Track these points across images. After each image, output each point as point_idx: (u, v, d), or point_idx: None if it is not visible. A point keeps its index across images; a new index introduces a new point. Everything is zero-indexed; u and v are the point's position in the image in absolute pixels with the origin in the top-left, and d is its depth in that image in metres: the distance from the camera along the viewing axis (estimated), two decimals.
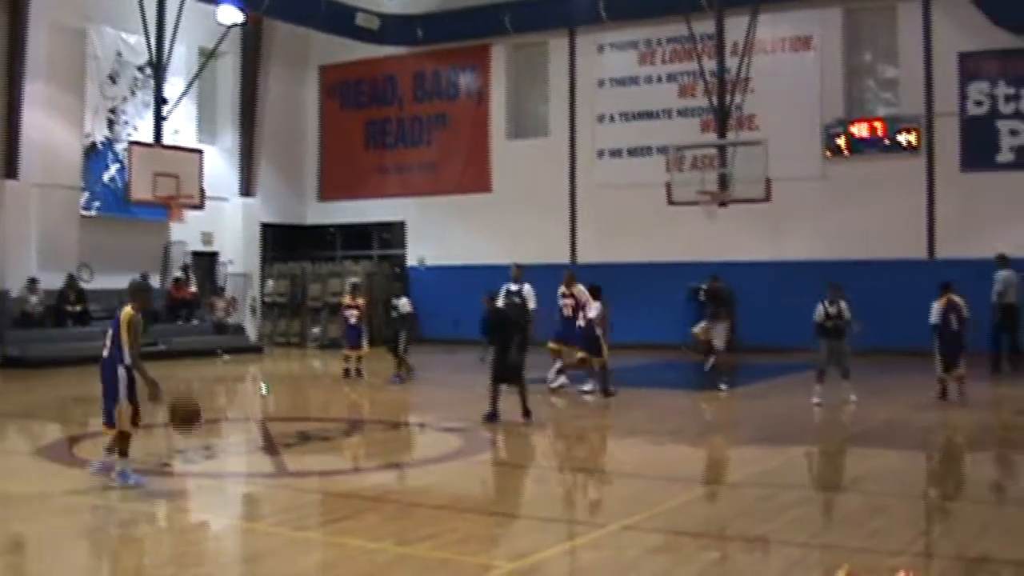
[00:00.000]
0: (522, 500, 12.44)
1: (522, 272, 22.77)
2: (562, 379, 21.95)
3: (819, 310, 20.02)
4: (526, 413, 16.96)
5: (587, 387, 21.43)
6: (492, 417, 16.99)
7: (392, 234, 39.41)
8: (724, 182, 27.35)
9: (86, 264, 31.90)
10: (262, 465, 14.36)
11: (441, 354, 31.23)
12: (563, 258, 34.29)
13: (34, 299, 29.91)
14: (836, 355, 20.00)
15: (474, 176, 37.16)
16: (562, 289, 22.25)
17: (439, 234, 37.59)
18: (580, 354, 21.45)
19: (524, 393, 17.18)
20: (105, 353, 12.79)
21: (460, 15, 36.45)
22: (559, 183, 35.43)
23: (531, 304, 22.05)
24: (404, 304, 24.65)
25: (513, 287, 22.31)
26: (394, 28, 37.34)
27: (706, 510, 11.32)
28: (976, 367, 21.75)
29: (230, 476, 14.04)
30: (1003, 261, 26.07)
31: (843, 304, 19.97)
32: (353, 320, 24.68)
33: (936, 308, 19.77)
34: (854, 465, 14.69)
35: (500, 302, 21.12)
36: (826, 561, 9.30)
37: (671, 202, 28.32)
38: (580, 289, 22.00)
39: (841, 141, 31.17)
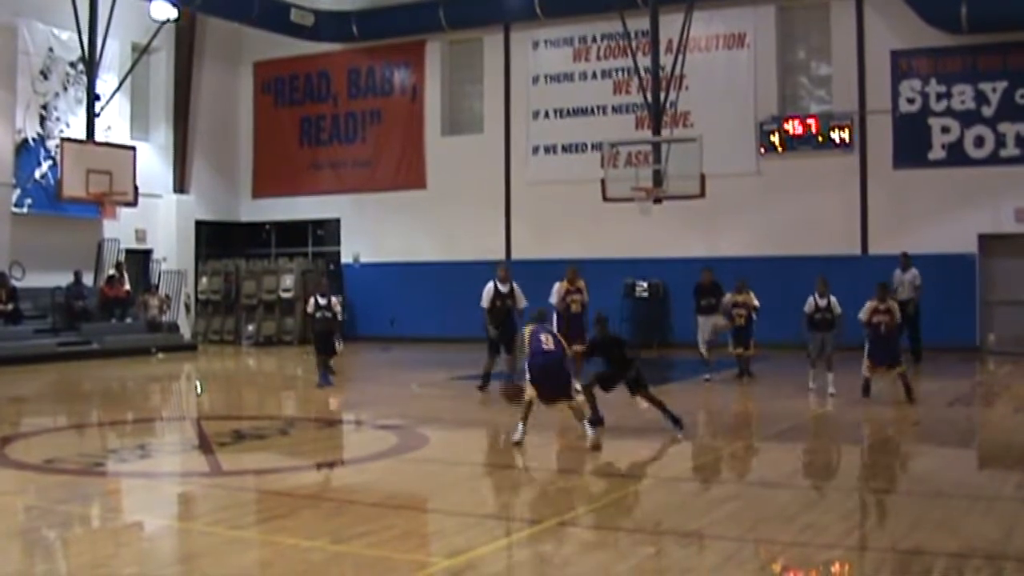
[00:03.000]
0: (458, 497, 12.40)
1: (510, 272, 21.79)
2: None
3: (809, 303, 20.85)
4: (676, 421, 16.36)
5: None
6: (597, 421, 16.34)
7: (327, 231, 39.31)
8: (658, 178, 27.39)
9: (17, 262, 31.59)
10: (197, 464, 14.26)
11: (377, 352, 31.19)
12: (499, 254, 34.33)
13: None
14: (823, 346, 20.63)
15: (409, 172, 37.12)
16: (565, 285, 21.58)
17: (374, 231, 37.54)
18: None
19: (659, 402, 16.56)
20: (552, 349, 15.17)
21: (394, 11, 36.39)
22: (494, 179, 35.48)
23: (521, 304, 21.19)
24: (336, 303, 23.41)
25: (503, 288, 21.30)
26: (329, 24, 37.25)
27: (641, 505, 11.35)
28: None
29: (164, 475, 13.93)
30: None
31: (833, 298, 20.68)
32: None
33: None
34: (788, 459, 14.77)
35: (485, 302, 20.86)
36: (761, 555, 9.35)
37: (606, 198, 28.34)
38: (582, 284, 21.74)
39: (775, 138, 31.42)
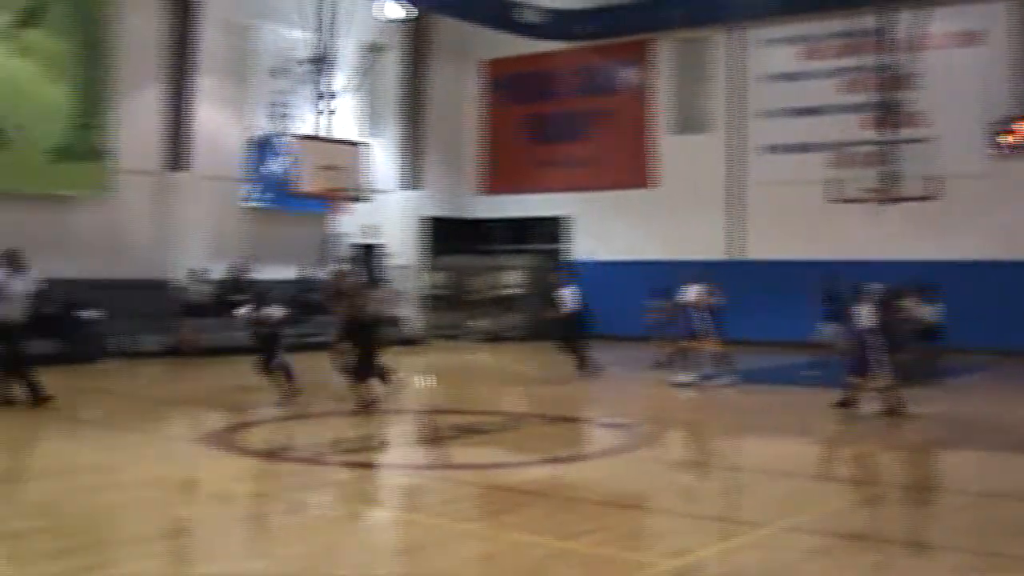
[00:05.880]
0: (682, 497, 12.38)
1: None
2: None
3: None
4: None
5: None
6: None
7: (554, 229, 39.45)
8: (888, 179, 26.94)
9: (249, 255, 32.36)
10: (423, 456, 14.51)
11: (603, 350, 31.28)
12: (721, 254, 34.14)
13: (201, 289, 30.37)
14: None
15: (635, 171, 37.09)
16: None
17: (600, 229, 37.59)
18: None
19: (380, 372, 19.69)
20: None
21: (623, 10, 36.36)
22: (719, 179, 35.24)
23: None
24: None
25: None
26: (557, 23, 37.39)
27: (868, 512, 11.17)
28: None
29: (390, 467, 14.19)
30: None
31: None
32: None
33: None
34: (1018, 468, 14.34)
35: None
36: (983, 567, 9.04)
37: (833, 199, 27.97)
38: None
39: (1007, 138, 30.53)
